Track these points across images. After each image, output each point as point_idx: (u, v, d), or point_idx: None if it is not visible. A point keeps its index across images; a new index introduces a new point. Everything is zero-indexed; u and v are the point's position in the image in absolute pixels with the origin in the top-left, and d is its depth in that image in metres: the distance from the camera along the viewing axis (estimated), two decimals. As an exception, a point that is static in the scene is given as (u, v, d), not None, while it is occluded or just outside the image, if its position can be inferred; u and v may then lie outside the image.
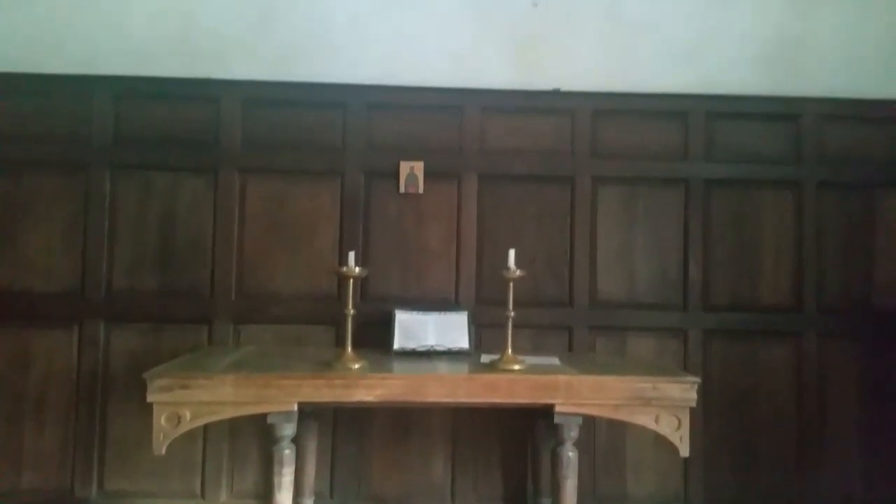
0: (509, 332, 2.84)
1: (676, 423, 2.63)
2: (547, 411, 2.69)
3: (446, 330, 3.24)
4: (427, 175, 3.55)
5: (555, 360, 3.04)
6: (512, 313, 2.85)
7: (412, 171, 3.57)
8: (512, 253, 2.93)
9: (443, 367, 2.92)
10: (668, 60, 3.60)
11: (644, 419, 2.65)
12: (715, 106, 3.57)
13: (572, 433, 2.68)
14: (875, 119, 3.60)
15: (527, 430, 3.36)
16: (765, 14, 3.60)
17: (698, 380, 2.68)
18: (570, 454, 2.68)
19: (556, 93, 3.58)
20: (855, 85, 3.58)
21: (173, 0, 3.56)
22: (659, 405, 2.63)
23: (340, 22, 3.61)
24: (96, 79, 3.51)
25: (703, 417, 3.39)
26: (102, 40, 3.54)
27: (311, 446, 3.23)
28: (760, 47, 3.60)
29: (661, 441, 2.72)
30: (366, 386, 2.63)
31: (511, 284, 2.87)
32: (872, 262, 3.58)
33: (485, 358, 3.02)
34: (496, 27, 3.62)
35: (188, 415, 2.55)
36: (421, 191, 3.55)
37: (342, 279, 3.14)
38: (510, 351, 2.83)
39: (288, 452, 2.62)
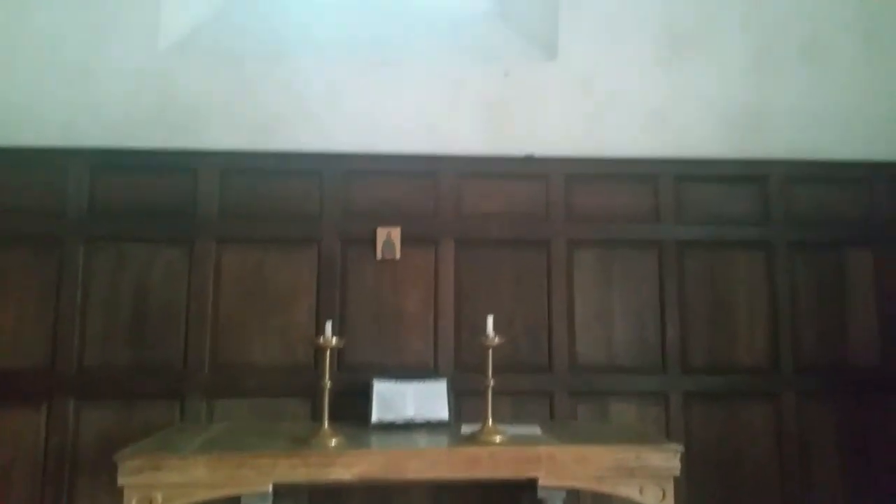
0: (489, 402, 2.81)
1: (661, 493, 2.60)
2: (531, 484, 2.64)
3: (425, 400, 3.20)
4: (404, 241, 3.56)
5: (536, 430, 3.00)
6: (491, 382, 2.83)
7: (389, 237, 3.58)
8: (490, 319, 2.93)
9: (422, 440, 2.87)
10: (636, 126, 3.69)
11: (628, 491, 2.61)
12: (683, 169, 3.66)
13: (557, 505, 2.63)
14: (838, 179, 3.71)
15: (512, 502, 3.28)
16: (726, 81, 3.73)
17: (681, 448, 2.66)
18: (556, 528, 2.62)
19: (529, 158, 3.65)
20: (817, 146, 3.69)
21: (151, 71, 3.59)
22: (643, 475, 2.61)
23: (317, 91, 3.66)
24: (72, 151, 3.50)
25: (687, 482, 3.33)
26: (80, 112, 3.54)
27: (288, 526, 3.13)
28: (724, 112, 3.71)
29: (646, 511, 2.67)
30: (343, 464, 2.58)
31: (490, 352, 2.86)
32: (846, 321, 3.63)
33: (465, 429, 2.97)
34: (470, 95, 3.70)
35: (160, 497, 2.48)
36: (398, 257, 3.56)
37: (319, 350, 3.10)
38: (490, 422, 2.80)
39: (263, 535, 2.54)
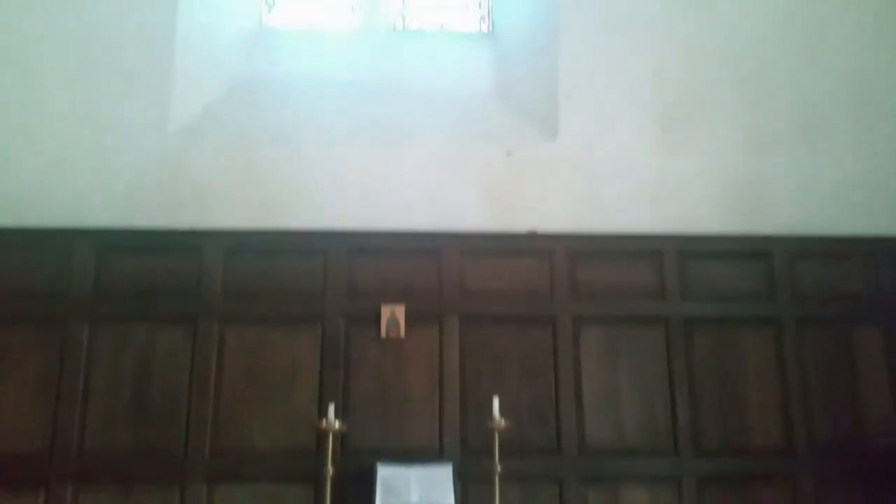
0: (497, 493, 2.73)
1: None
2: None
3: (430, 486, 3.11)
4: (408, 319, 3.53)
5: (546, 520, 2.91)
6: (499, 468, 2.76)
7: (393, 314, 3.56)
8: (496, 401, 2.89)
9: (428, 533, 2.78)
10: (638, 202, 3.72)
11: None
12: (687, 245, 3.66)
13: None
14: (842, 255, 3.70)
15: None
16: (724, 157, 3.78)
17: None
18: None
19: (532, 235, 3.67)
20: (818, 222, 3.70)
21: (160, 152, 3.66)
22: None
23: (322, 171, 3.72)
24: (79, 232, 3.54)
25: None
26: (89, 192, 3.61)
27: None
28: (723, 188, 3.75)
29: None
30: (345, 560, 2.49)
31: (497, 435, 2.80)
32: (859, 399, 3.55)
33: (472, 518, 2.89)
34: (473, 174, 3.76)
35: None
36: (402, 335, 3.53)
37: (321, 434, 3.04)
38: (499, 514, 2.71)
39: None
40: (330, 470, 2.74)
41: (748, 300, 3.64)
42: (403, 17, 4.29)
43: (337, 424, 2.80)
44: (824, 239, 3.68)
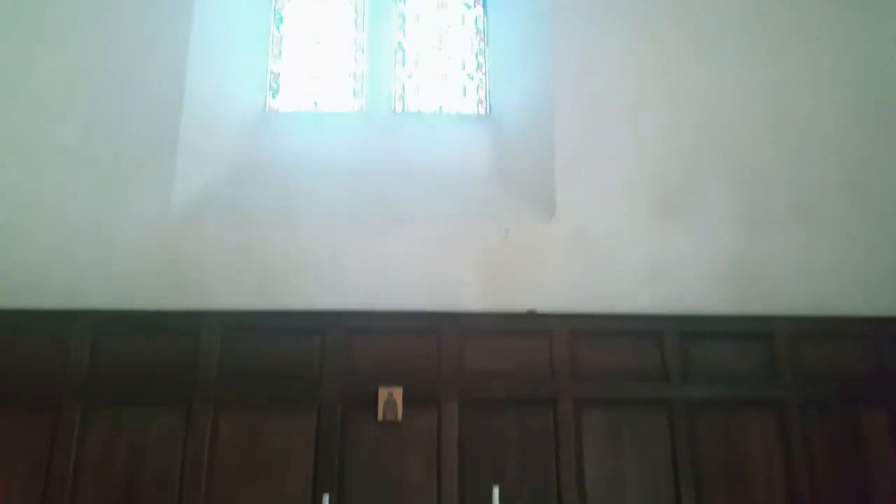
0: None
1: None
2: None
3: (428, 581, 2.98)
4: (406, 401, 3.47)
5: None
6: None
7: (391, 396, 3.51)
8: (496, 491, 2.81)
9: None
10: (636, 281, 3.73)
11: None
12: (687, 326, 3.63)
13: None
14: (843, 335, 3.68)
15: None
16: (721, 237, 3.80)
17: None
18: None
19: (531, 314, 3.66)
20: (818, 302, 3.69)
21: (161, 231, 3.69)
22: None
23: (321, 250, 3.74)
24: (76, 313, 3.53)
25: None
26: (87, 271, 3.61)
27: None
28: (721, 267, 3.75)
29: None
30: None
31: (496, 530, 2.71)
32: (867, 483, 3.45)
33: None
34: (471, 253, 3.78)
35: None
36: (400, 418, 3.46)
37: (316, 525, 2.94)
38: None
39: None
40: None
41: (751, 381, 3.59)
42: (403, 100, 4.41)
43: (331, 515, 2.71)
44: (825, 319, 3.65)
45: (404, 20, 4.52)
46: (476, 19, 4.54)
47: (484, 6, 4.55)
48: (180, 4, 3.92)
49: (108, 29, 3.91)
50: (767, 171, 3.90)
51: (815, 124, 3.97)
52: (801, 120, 3.97)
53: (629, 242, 3.78)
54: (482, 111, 4.41)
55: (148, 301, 3.57)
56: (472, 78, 4.47)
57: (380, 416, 3.46)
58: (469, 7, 4.57)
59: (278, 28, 4.47)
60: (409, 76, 4.44)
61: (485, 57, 4.48)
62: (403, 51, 4.47)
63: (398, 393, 3.51)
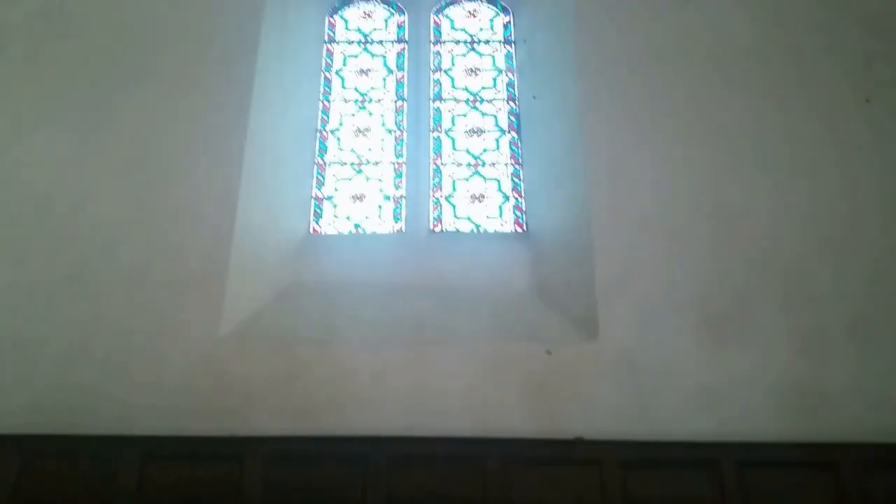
0: None
1: None
2: None
3: None
4: (452, 534, 3.34)
5: None
6: None
7: (435, 529, 3.37)
8: None
9: None
10: (688, 406, 3.57)
11: None
12: (745, 454, 3.42)
13: None
14: (918, 462, 3.43)
15: None
16: (775, 358, 3.65)
17: None
18: None
19: (579, 441, 3.53)
20: (882, 428, 3.45)
21: (208, 357, 3.75)
22: None
23: (363, 373, 3.74)
24: (125, 439, 3.54)
25: None
26: (136, 399, 3.66)
27: None
28: (777, 392, 3.58)
29: None
30: None
31: None
32: None
33: None
34: (513, 375, 3.72)
35: None
36: (446, 552, 3.31)
37: None
38: None
39: None
40: None
41: (817, 514, 3.35)
42: (441, 220, 4.53)
43: None
44: (893, 446, 3.42)
45: (440, 145, 4.73)
46: (510, 143, 4.73)
47: (518, 130, 4.74)
48: (233, 141, 4.16)
49: (167, 164, 4.16)
50: (817, 288, 3.79)
51: (862, 239, 3.89)
52: (846, 234, 3.90)
53: (678, 365, 3.66)
54: (519, 229, 4.50)
55: (194, 427, 3.57)
56: (509, 198, 4.59)
57: (424, 551, 3.32)
58: (503, 132, 4.77)
59: (322, 157, 4.72)
60: (447, 197, 4.59)
61: (520, 178, 4.62)
62: (441, 173, 4.65)
63: (442, 526, 3.38)
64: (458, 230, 4.51)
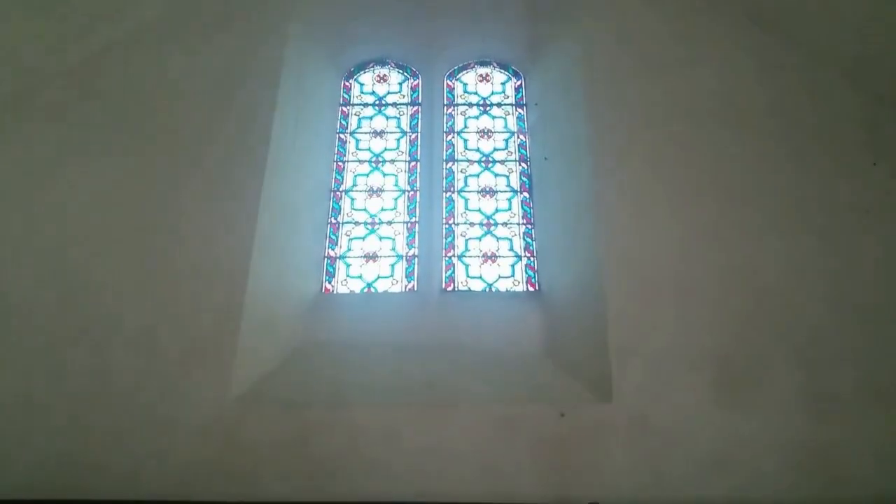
0: None
1: None
2: None
3: None
4: None
5: None
6: None
7: None
8: None
9: None
10: (702, 468, 3.51)
11: None
12: (763, 520, 3.35)
13: None
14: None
15: None
16: (789, 420, 3.60)
17: None
18: None
19: (594, 509, 3.45)
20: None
21: (217, 421, 3.71)
22: None
23: (373, 435, 3.69)
24: (133, 504, 3.51)
25: None
26: (144, 462, 3.62)
27: None
28: (793, 453, 3.53)
29: None
30: None
31: None
32: None
33: None
34: (525, 436, 3.66)
35: None
36: None
37: None
38: None
39: None
40: None
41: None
42: (454, 279, 4.55)
43: None
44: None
45: (453, 205, 4.79)
46: (522, 203, 4.78)
47: (530, 191, 4.81)
48: (248, 202, 4.21)
49: (181, 224, 4.20)
50: (830, 349, 3.76)
51: (873, 299, 3.88)
52: (857, 294, 3.89)
53: (692, 427, 3.61)
54: (531, 288, 4.50)
55: (202, 492, 3.52)
56: (521, 257, 4.61)
57: None
58: (515, 192, 4.83)
59: (335, 216, 4.79)
60: (459, 256, 4.62)
61: (532, 237, 4.65)
62: (453, 233, 4.69)
63: None
64: (470, 289, 4.52)
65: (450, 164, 4.94)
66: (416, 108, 5.20)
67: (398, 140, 5.08)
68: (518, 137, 5.05)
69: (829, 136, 4.35)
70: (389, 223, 4.76)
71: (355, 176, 4.96)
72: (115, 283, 4.05)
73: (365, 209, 4.83)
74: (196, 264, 4.07)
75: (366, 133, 5.13)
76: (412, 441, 3.67)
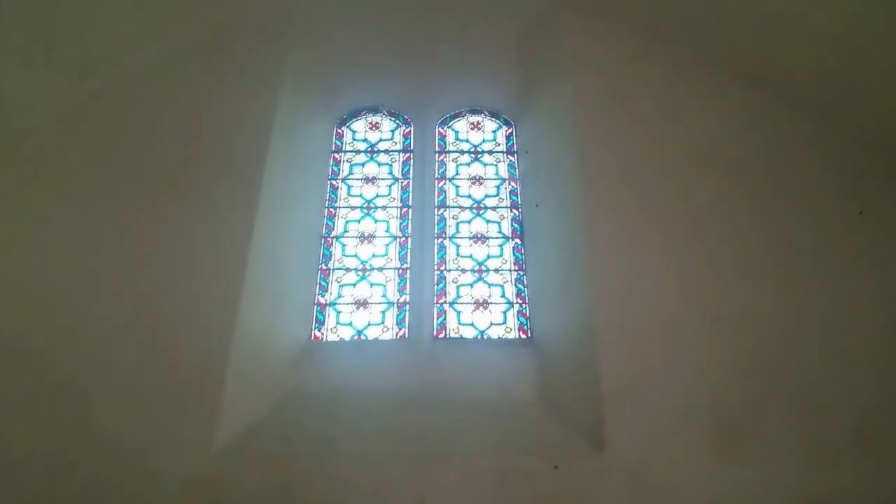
0: None
1: None
2: None
3: None
4: None
5: None
6: None
7: None
8: None
9: None
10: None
11: None
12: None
13: None
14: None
15: None
16: (786, 470, 3.53)
17: None
18: None
19: (590, 566, 3.32)
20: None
21: (202, 475, 3.54)
22: None
23: (363, 488, 3.56)
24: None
25: None
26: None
27: None
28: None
29: None
30: None
31: None
32: None
33: None
34: (518, 491, 3.54)
35: None
36: None
37: None
38: None
39: None
40: None
41: None
42: (446, 326, 4.49)
43: None
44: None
45: (445, 251, 4.78)
46: (514, 249, 4.78)
47: (521, 237, 4.81)
48: (238, 248, 4.15)
49: (170, 270, 4.13)
50: (825, 397, 3.72)
51: (868, 346, 3.86)
52: (849, 342, 3.88)
53: (687, 478, 3.52)
54: (524, 336, 4.45)
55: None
56: (513, 304, 4.58)
57: None
58: (507, 239, 4.83)
59: (325, 263, 4.76)
60: (451, 303, 4.58)
61: (524, 284, 4.63)
62: (445, 279, 4.66)
63: None
64: (462, 337, 4.47)
65: (441, 210, 4.94)
66: (408, 154, 5.24)
67: (390, 186, 5.10)
68: (509, 184, 5.08)
69: (817, 185, 4.41)
70: (380, 269, 4.73)
71: (346, 222, 4.95)
72: (102, 329, 3.96)
73: (356, 255, 4.80)
74: (183, 310, 4.00)
75: (358, 179, 5.15)
76: (403, 496, 3.55)
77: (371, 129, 5.41)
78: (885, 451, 3.58)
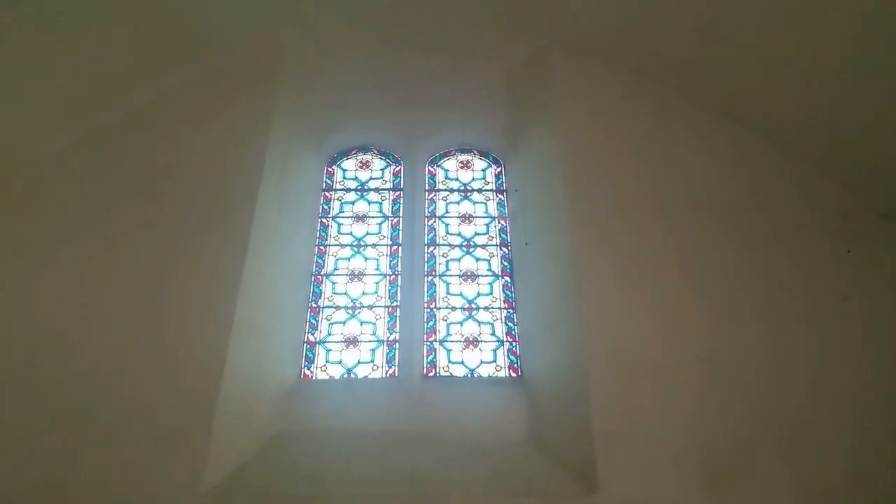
0: None
1: None
2: None
3: None
4: None
5: None
6: None
7: None
8: None
9: None
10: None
11: None
12: None
13: None
14: None
15: None
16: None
17: None
18: None
19: None
20: None
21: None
22: None
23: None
24: None
25: None
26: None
27: None
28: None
29: None
30: None
31: None
32: None
33: None
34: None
35: None
36: None
37: None
38: None
39: None
40: None
41: None
42: (436, 365, 4.48)
43: None
44: None
45: (434, 289, 4.78)
46: (504, 287, 4.80)
47: (511, 275, 4.83)
48: (227, 287, 4.13)
49: (158, 310, 4.10)
50: (815, 438, 3.74)
51: (856, 386, 3.90)
52: (839, 382, 3.91)
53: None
54: (514, 374, 4.44)
55: None
56: (503, 342, 4.58)
57: None
58: (497, 277, 4.86)
59: (315, 301, 4.75)
60: (441, 341, 4.57)
61: (514, 322, 4.63)
62: (435, 317, 4.66)
63: None
64: (452, 375, 4.45)
65: (431, 248, 4.97)
66: (398, 193, 5.28)
67: (380, 224, 5.13)
68: (499, 222, 5.13)
69: (805, 225, 4.49)
70: (370, 307, 4.72)
71: (336, 260, 4.95)
72: (90, 370, 3.91)
73: (346, 293, 4.80)
74: (172, 349, 3.96)
75: (348, 217, 5.17)
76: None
77: (361, 167, 5.46)
78: (876, 491, 3.58)
